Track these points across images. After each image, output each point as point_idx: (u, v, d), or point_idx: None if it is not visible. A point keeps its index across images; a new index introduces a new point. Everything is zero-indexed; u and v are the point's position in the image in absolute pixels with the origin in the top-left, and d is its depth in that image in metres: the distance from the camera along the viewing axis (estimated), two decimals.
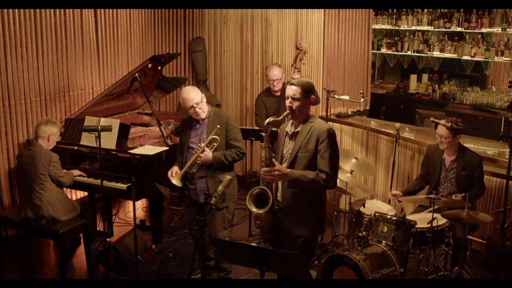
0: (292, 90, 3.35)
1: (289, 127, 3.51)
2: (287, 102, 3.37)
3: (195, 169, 4.12)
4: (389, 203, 5.09)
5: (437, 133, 4.39)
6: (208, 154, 4.07)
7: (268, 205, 3.36)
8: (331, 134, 3.34)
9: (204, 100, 4.17)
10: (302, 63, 5.45)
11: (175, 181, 4.09)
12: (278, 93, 5.43)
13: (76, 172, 4.74)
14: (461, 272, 4.11)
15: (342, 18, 6.24)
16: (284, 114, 3.39)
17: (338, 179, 4.83)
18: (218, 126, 4.10)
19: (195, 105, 4.09)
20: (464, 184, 4.32)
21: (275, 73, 5.34)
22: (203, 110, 4.15)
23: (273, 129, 3.42)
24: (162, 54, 6.62)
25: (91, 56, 5.77)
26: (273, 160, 3.35)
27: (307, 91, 3.36)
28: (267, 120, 3.36)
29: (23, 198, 4.53)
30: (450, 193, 4.39)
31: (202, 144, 4.08)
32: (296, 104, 3.34)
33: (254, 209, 3.42)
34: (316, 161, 3.34)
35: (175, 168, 4.20)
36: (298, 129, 3.42)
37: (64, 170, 4.62)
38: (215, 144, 4.10)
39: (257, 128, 5.29)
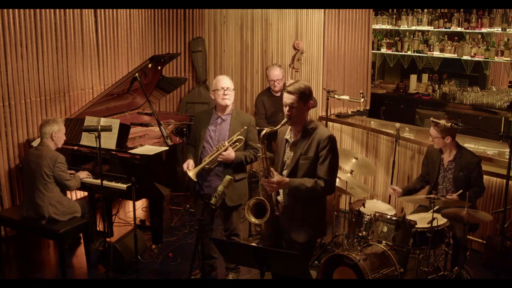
0: (289, 99, 3.30)
1: (288, 134, 3.47)
2: (285, 110, 3.33)
3: (213, 166, 4.14)
4: (389, 200, 5.09)
5: (429, 132, 4.41)
6: (231, 153, 4.09)
7: (267, 216, 3.36)
8: (332, 141, 3.31)
9: (233, 94, 4.24)
10: (300, 63, 5.45)
11: (192, 174, 4.07)
12: (279, 93, 5.42)
13: (82, 174, 4.73)
14: (461, 272, 4.11)
15: (342, 18, 6.24)
16: (282, 123, 3.35)
17: (338, 179, 4.87)
18: (245, 127, 4.14)
19: (226, 88, 4.16)
20: (461, 185, 4.33)
21: (276, 73, 5.32)
22: (230, 98, 4.20)
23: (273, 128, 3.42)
24: (162, 54, 6.62)
25: (91, 56, 5.76)
26: (272, 169, 3.35)
27: (305, 97, 3.31)
28: (264, 132, 3.33)
29: (26, 196, 4.53)
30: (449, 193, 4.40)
31: (226, 143, 4.09)
32: (294, 112, 3.31)
33: (253, 220, 3.42)
34: (315, 167, 3.32)
35: (191, 162, 4.17)
36: (299, 137, 3.39)
37: (71, 172, 4.63)
38: (238, 144, 4.12)
39: (257, 128, 5.29)
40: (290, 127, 3.44)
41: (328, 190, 3.33)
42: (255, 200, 3.42)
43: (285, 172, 3.42)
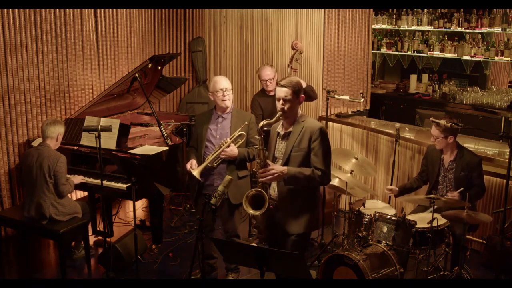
0: (283, 92, 3.40)
1: (280, 128, 3.56)
2: (279, 104, 3.43)
3: (216, 163, 4.13)
4: (389, 200, 5.10)
5: (431, 133, 4.41)
6: (234, 149, 4.10)
7: (265, 207, 3.40)
8: (323, 132, 3.41)
9: (232, 93, 4.25)
10: (298, 63, 5.45)
11: (196, 173, 4.07)
12: (272, 93, 5.39)
13: (77, 179, 4.70)
14: (461, 272, 4.11)
15: (342, 18, 6.24)
16: (277, 116, 3.44)
17: (338, 179, 4.88)
18: (246, 123, 4.15)
19: (224, 89, 4.16)
20: (462, 185, 4.32)
21: (267, 73, 5.32)
22: (230, 99, 4.21)
23: (265, 128, 3.49)
24: (162, 54, 6.62)
25: (91, 56, 5.76)
26: (268, 161, 3.42)
27: (297, 91, 3.42)
28: (261, 124, 3.42)
29: (27, 197, 4.52)
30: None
31: (228, 139, 4.10)
32: (287, 105, 3.40)
33: (251, 211, 3.46)
34: (309, 159, 3.41)
35: (194, 161, 4.18)
36: (290, 129, 3.47)
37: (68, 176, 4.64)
38: (240, 140, 4.13)
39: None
40: (281, 121, 3.53)
41: (324, 180, 3.43)
42: (254, 191, 3.46)
43: (277, 165, 3.47)
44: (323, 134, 3.41)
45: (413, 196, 4.66)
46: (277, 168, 3.37)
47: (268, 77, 5.30)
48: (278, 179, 3.43)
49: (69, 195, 4.61)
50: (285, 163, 3.44)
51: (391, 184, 5.16)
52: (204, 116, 4.35)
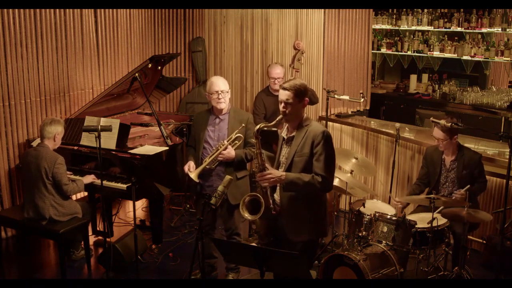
0: (285, 95, 3.30)
1: (284, 132, 3.47)
2: (281, 107, 3.33)
3: (214, 165, 4.14)
4: (389, 200, 5.10)
5: (434, 136, 4.39)
6: (231, 151, 4.09)
7: (260, 212, 3.35)
8: (326, 137, 3.29)
9: (229, 95, 4.21)
10: (300, 63, 5.44)
11: (193, 175, 4.07)
12: (277, 93, 5.39)
13: (88, 179, 4.67)
14: (461, 272, 4.11)
15: (342, 18, 6.24)
16: (277, 119, 3.34)
17: (338, 179, 4.88)
18: (243, 125, 4.13)
19: (220, 92, 4.13)
20: (465, 183, 4.33)
21: (277, 71, 5.31)
22: (225, 101, 4.18)
23: (274, 129, 3.43)
24: (162, 54, 6.62)
25: (91, 56, 5.77)
26: (266, 165, 3.34)
27: (300, 94, 3.31)
28: (258, 126, 3.34)
29: (27, 198, 4.52)
30: (451, 193, 4.39)
31: (225, 142, 4.09)
32: (289, 108, 3.30)
33: (246, 215, 3.42)
34: (312, 164, 3.30)
35: (192, 163, 4.17)
36: (294, 133, 3.38)
37: (72, 177, 4.63)
38: (237, 142, 4.12)
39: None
40: (287, 125, 3.44)
41: (325, 186, 3.30)
42: (250, 196, 3.42)
43: (280, 170, 3.41)
44: (326, 138, 3.28)
45: (413, 196, 4.66)
46: (275, 173, 3.29)
47: (278, 75, 5.28)
48: (275, 184, 3.36)
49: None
50: (288, 169, 3.34)
51: (391, 185, 5.18)
52: (202, 116, 4.34)
